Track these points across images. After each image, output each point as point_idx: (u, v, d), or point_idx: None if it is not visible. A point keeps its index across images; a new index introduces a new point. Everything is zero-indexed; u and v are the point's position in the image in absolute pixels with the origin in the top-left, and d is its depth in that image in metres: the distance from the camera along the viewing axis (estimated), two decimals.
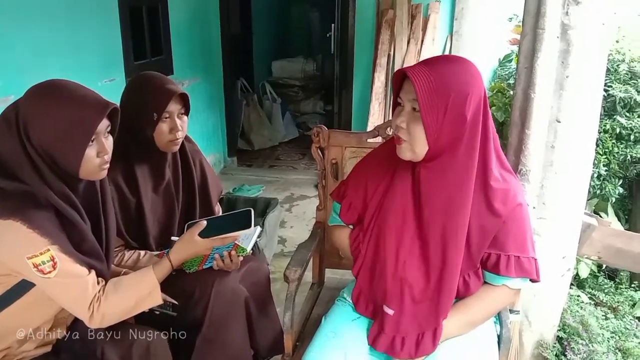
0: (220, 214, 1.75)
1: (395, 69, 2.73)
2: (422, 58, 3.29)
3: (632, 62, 2.20)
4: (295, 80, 6.34)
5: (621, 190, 2.23)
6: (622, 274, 2.30)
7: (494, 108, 2.55)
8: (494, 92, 2.76)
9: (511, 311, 1.53)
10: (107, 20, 2.81)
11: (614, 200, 2.25)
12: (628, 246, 1.88)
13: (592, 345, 1.77)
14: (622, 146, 2.15)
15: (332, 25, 4.41)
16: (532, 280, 1.22)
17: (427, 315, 1.19)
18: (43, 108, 1.11)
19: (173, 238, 1.48)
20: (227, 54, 4.36)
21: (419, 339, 1.20)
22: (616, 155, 2.15)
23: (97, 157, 1.16)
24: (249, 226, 1.42)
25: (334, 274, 1.89)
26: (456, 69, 1.11)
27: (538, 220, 1.66)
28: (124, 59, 2.95)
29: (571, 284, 1.96)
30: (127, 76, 2.94)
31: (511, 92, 2.28)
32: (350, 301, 1.36)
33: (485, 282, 1.25)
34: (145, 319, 1.37)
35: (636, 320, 2.01)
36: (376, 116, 3.66)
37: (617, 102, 2.13)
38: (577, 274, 2.14)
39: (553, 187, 1.63)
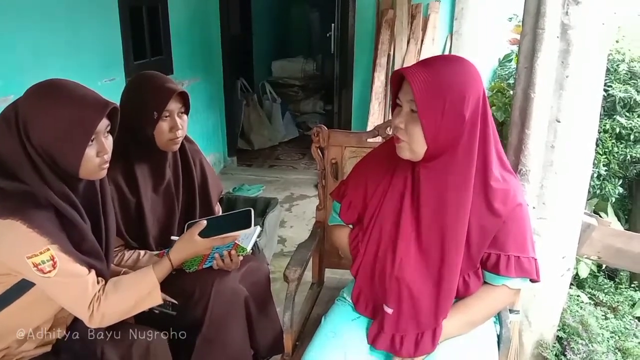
0: (220, 213, 1.75)
1: (395, 69, 2.72)
2: (422, 58, 3.29)
3: (632, 62, 2.20)
4: (295, 80, 6.34)
5: (621, 190, 2.23)
6: (621, 274, 2.30)
7: (494, 108, 2.55)
8: (494, 92, 2.76)
9: (511, 311, 1.53)
10: (107, 20, 2.81)
11: (613, 200, 2.25)
12: (628, 246, 1.88)
13: (592, 345, 1.77)
14: (622, 146, 2.15)
15: (332, 25, 4.41)
16: (532, 280, 1.22)
17: (427, 315, 1.19)
18: (43, 108, 1.11)
19: (173, 238, 1.48)
20: (227, 54, 4.36)
21: (419, 338, 1.20)
22: (616, 155, 2.15)
23: (97, 157, 1.16)
24: (249, 226, 1.42)
25: (334, 274, 1.89)
26: (454, 69, 1.11)
27: (538, 220, 1.66)
28: (124, 58, 2.95)
29: (571, 284, 1.96)
30: (127, 76, 2.94)
31: (511, 92, 2.28)
32: (350, 301, 1.36)
33: (485, 282, 1.25)
34: (145, 319, 1.37)
35: (636, 320, 2.01)
36: (376, 116, 3.66)
37: (617, 102, 2.13)
38: (577, 274, 2.14)
39: (553, 187, 1.63)
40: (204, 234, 1.38)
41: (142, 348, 1.32)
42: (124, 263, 1.49)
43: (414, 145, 1.14)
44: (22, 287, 1.17)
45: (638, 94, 2.12)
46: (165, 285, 1.33)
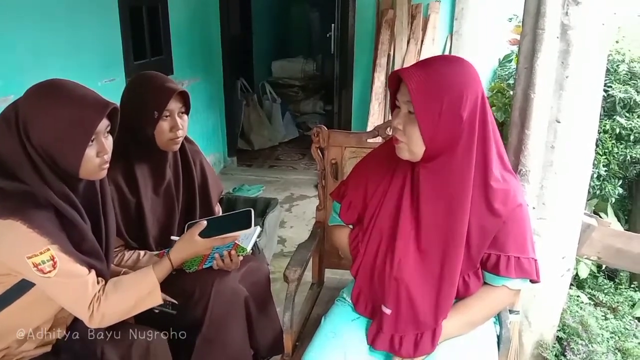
0: (221, 214, 1.75)
1: (395, 69, 2.72)
2: (422, 58, 3.29)
3: (632, 62, 2.20)
4: (295, 80, 6.35)
5: (621, 190, 2.23)
6: (621, 274, 2.30)
7: (493, 108, 2.55)
8: (494, 92, 2.76)
9: (511, 311, 1.53)
10: (107, 20, 2.81)
11: (613, 200, 2.25)
12: (628, 246, 1.88)
13: (592, 346, 1.77)
14: (621, 146, 2.14)
15: (332, 25, 4.41)
16: (532, 281, 1.22)
17: (426, 315, 1.19)
18: (43, 108, 1.11)
19: (173, 238, 1.48)
20: (227, 54, 4.36)
21: (418, 338, 1.20)
22: (616, 156, 2.15)
23: (97, 157, 1.16)
24: (249, 226, 1.42)
25: (334, 274, 1.89)
26: (451, 70, 1.11)
27: (538, 220, 1.66)
28: (124, 59, 2.95)
29: (571, 284, 1.96)
30: (127, 76, 2.94)
31: (511, 93, 2.28)
32: (350, 301, 1.36)
33: (485, 283, 1.25)
34: (145, 319, 1.37)
35: (636, 321, 2.01)
36: (376, 116, 3.66)
37: (617, 102, 2.13)
38: (576, 274, 2.14)
39: (553, 187, 1.63)
40: (204, 234, 1.38)
41: (142, 348, 1.32)
42: (124, 263, 1.49)
43: (412, 146, 1.14)
44: (22, 287, 1.17)
45: (638, 95, 2.12)
46: (165, 285, 1.33)
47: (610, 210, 2.29)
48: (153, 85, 1.48)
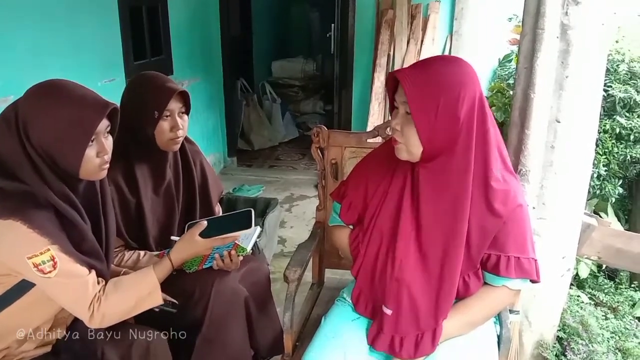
0: (221, 214, 1.75)
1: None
2: (422, 58, 3.29)
3: (632, 62, 2.20)
4: (295, 81, 6.35)
5: (621, 190, 2.23)
6: (622, 274, 2.30)
7: (493, 108, 2.55)
8: (494, 92, 2.76)
9: (511, 311, 1.53)
10: (107, 20, 2.81)
11: (613, 200, 2.25)
12: (628, 246, 1.88)
13: (592, 346, 1.77)
14: (621, 146, 2.14)
15: (332, 25, 4.41)
16: (532, 281, 1.22)
17: (427, 316, 1.19)
18: (43, 108, 1.11)
19: (173, 238, 1.48)
20: (227, 54, 4.36)
21: (418, 339, 1.20)
22: (616, 156, 2.15)
23: (97, 157, 1.16)
24: (249, 226, 1.42)
25: (334, 274, 1.89)
26: (448, 70, 1.12)
27: (538, 220, 1.66)
28: (124, 59, 2.95)
29: (571, 284, 1.96)
30: (127, 76, 2.94)
31: (511, 92, 2.28)
32: (350, 301, 1.36)
33: (485, 283, 1.25)
34: (145, 319, 1.37)
35: (636, 321, 2.00)
36: (376, 116, 3.66)
37: (617, 102, 2.13)
38: (577, 274, 2.14)
39: (553, 187, 1.63)
40: (204, 234, 1.38)
41: (142, 348, 1.32)
42: (124, 263, 1.49)
43: (410, 146, 1.14)
44: (23, 287, 1.17)
45: (638, 94, 2.12)
46: (166, 285, 1.33)
47: (610, 210, 2.29)
48: (153, 85, 1.49)
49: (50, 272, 1.11)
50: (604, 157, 2.15)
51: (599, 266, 2.26)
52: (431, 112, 1.08)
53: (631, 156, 2.14)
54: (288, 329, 1.43)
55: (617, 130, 2.13)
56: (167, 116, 1.48)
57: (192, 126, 1.65)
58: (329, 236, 1.58)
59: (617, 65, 2.19)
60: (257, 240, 1.60)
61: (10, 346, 1.24)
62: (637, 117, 2.14)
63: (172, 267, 1.35)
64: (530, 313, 1.79)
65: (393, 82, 1.16)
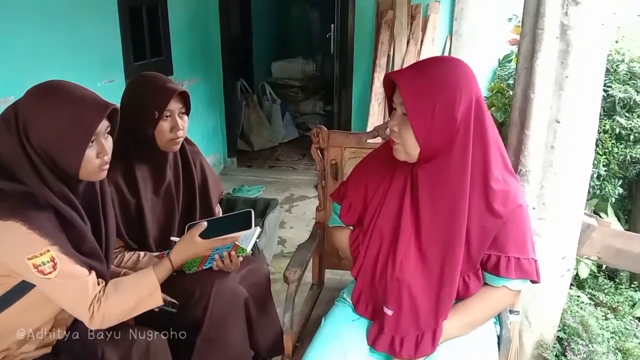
0: (221, 215, 1.75)
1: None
2: (422, 58, 3.30)
3: (632, 62, 2.19)
4: (295, 81, 6.35)
5: (621, 190, 2.23)
6: (622, 274, 2.30)
7: (493, 108, 2.55)
8: (494, 92, 2.76)
9: (511, 312, 1.53)
10: (107, 21, 2.82)
11: (613, 200, 2.25)
12: (628, 246, 1.88)
13: (592, 346, 1.77)
14: (621, 146, 2.14)
15: (332, 25, 4.42)
16: (533, 281, 1.22)
17: (427, 316, 1.19)
18: (42, 109, 1.11)
19: (173, 239, 1.48)
20: (227, 55, 4.36)
21: (419, 339, 1.20)
22: (616, 156, 2.15)
23: (97, 158, 1.16)
24: (249, 227, 1.42)
25: (334, 275, 1.89)
26: (444, 71, 1.12)
27: (538, 220, 1.66)
28: (124, 59, 2.95)
29: (571, 285, 1.96)
30: (126, 77, 2.94)
31: (511, 93, 2.28)
32: (350, 302, 1.36)
33: (485, 283, 1.25)
34: (145, 319, 1.37)
35: (636, 321, 2.00)
36: (376, 117, 3.66)
37: (617, 102, 2.13)
38: (577, 275, 2.14)
39: (553, 187, 1.63)
40: (204, 235, 1.38)
41: (142, 348, 1.32)
42: (124, 264, 1.49)
43: (407, 147, 1.15)
44: (23, 288, 1.17)
45: (638, 94, 2.12)
46: (166, 285, 1.33)
47: (610, 210, 2.29)
48: (153, 85, 1.49)
49: (50, 273, 1.11)
50: (604, 157, 2.15)
51: (599, 266, 2.26)
52: (427, 113, 1.08)
53: (631, 156, 2.14)
54: (288, 329, 1.43)
55: (617, 131, 2.13)
56: (167, 116, 1.48)
57: (192, 127, 1.66)
58: (329, 237, 1.58)
59: (617, 65, 2.18)
60: (257, 240, 1.60)
61: (11, 347, 1.24)
62: (637, 117, 2.13)
63: (172, 268, 1.35)
64: (531, 313, 1.79)
65: (390, 83, 1.17)
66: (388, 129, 1.19)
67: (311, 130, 1.77)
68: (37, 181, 1.11)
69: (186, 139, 1.62)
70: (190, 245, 1.38)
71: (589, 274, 2.19)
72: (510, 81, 2.92)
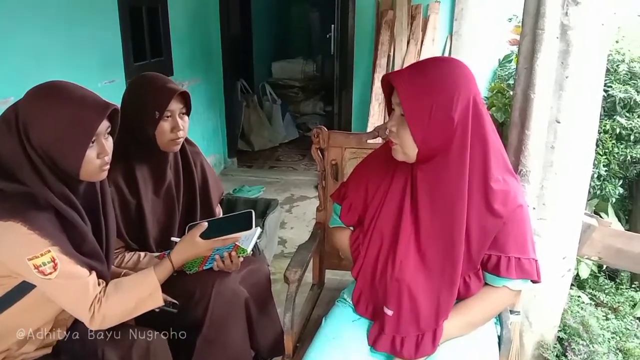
0: (221, 215, 1.75)
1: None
2: (422, 58, 3.29)
3: (632, 62, 2.20)
4: (295, 81, 6.36)
5: (621, 190, 2.23)
6: (622, 274, 2.30)
7: (493, 108, 2.55)
8: (494, 92, 2.76)
9: (511, 312, 1.53)
10: (107, 22, 2.82)
11: (614, 200, 2.25)
12: (628, 246, 1.88)
13: (593, 346, 1.77)
14: (622, 146, 2.14)
15: (332, 26, 4.42)
16: (533, 281, 1.22)
17: (427, 316, 1.19)
18: (43, 109, 1.11)
19: (173, 239, 1.48)
20: (227, 55, 4.36)
21: (419, 339, 1.20)
22: (616, 156, 2.15)
23: (97, 159, 1.16)
24: (249, 227, 1.42)
25: (334, 275, 1.89)
26: (441, 71, 1.12)
27: (538, 220, 1.66)
28: (124, 60, 2.95)
29: (571, 285, 1.95)
30: (126, 77, 2.94)
31: (511, 93, 2.28)
32: (351, 302, 1.36)
33: (485, 284, 1.25)
34: (145, 319, 1.37)
35: (637, 321, 2.00)
36: (376, 117, 3.66)
37: (617, 102, 2.13)
38: (577, 275, 2.14)
39: (553, 187, 1.63)
40: (204, 235, 1.38)
41: (142, 348, 1.32)
42: (124, 265, 1.49)
43: (405, 148, 1.15)
44: (23, 289, 1.17)
45: (638, 94, 2.12)
46: (166, 286, 1.33)
47: (610, 210, 2.29)
48: (154, 85, 1.49)
49: (50, 273, 1.11)
50: (604, 157, 2.15)
51: (600, 266, 2.26)
52: (425, 114, 1.09)
53: (631, 156, 2.14)
54: (288, 329, 1.43)
55: (618, 131, 2.13)
56: (167, 117, 1.48)
57: (192, 127, 1.66)
58: (330, 237, 1.58)
59: (617, 66, 2.19)
60: (258, 241, 1.60)
61: (11, 347, 1.24)
62: (637, 117, 2.13)
63: (173, 268, 1.35)
64: (531, 313, 1.79)
65: (388, 84, 1.17)
66: (387, 130, 1.20)
67: (311, 131, 1.77)
68: (37, 182, 1.11)
69: (187, 140, 1.62)
70: (190, 246, 1.38)
71: (590, 274, 2.19)
72: (511, 81, 2.92)
